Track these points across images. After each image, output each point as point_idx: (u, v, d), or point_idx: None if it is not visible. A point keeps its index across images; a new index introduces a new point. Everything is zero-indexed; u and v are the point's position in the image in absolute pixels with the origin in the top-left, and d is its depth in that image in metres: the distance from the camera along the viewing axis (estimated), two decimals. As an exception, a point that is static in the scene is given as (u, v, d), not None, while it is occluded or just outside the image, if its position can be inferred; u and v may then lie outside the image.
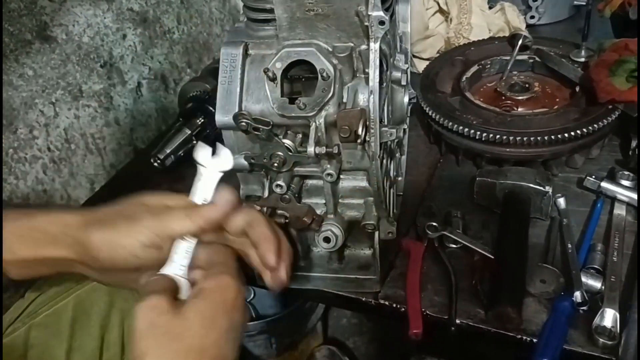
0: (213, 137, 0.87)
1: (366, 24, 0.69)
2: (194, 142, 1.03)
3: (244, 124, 0.73)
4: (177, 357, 0.56)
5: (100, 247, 0.64)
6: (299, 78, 0.78)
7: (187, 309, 0.58)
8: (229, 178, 0.71)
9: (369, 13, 0.68)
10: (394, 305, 0.87)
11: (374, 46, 0.69)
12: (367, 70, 0.72)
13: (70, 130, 1.21)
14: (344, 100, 0.75)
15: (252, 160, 0.78)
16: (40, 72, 1.12)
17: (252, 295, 1.47)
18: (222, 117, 0.77)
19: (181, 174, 1.20)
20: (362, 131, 0.70)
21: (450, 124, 1.05)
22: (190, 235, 0.64)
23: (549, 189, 0.94)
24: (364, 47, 0.73)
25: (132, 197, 0.69)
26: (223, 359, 0.58)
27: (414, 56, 1.43)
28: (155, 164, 1.00)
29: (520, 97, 1.15)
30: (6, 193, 1.08)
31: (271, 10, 0.73)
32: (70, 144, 1.22)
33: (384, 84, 0.80)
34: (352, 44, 0.74)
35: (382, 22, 0.68)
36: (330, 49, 0.74)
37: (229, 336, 0.59)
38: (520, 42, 1.22)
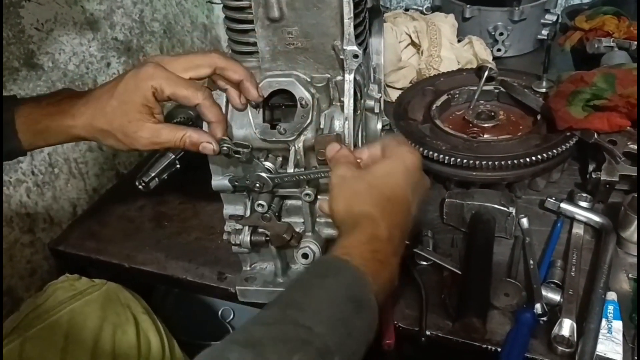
0: (196, 162, 0.91)
1: (341, 57, 0.75)
2: (177, 166, 1.07)
3: (225, 148, 0.77)
4: (359, 189, 0.68)
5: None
6: (279, 106, 0.84)
7: (372, 167, 0.71)
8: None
9: (344, 47, 0.74)
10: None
11: (349, 77, 0.76)
12: (342, 99, 0.78)
13: (54, 154, 1.24)
14: (321, 126, 0.80)
15: (236, 183, 0.83)
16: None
17: (232, 316, 1.50)
18: (208, 142, 0.81)
19: (164, 198, 1.24)
20: (338, 154, 0.75)
21: (422, 149, 1.11)
22: None
23: (512, 209, 1.01)
24: (339, 78, 0.79)
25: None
26: (399, 202, 0.69)
27: (388, 86, 1.49)
28: (140, 187, 1.03)
29: (486, 125, 1.22)
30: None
31: (254, 44, 0.79)
32: (54, 168, 1.24)
33: (358, 112, 0.85)
34: (328, 75, 0.80)
35: (356, 56, 0.74)
36: (309, 79, 0.80)
37: (407, 183, 0.70)
38: (486, 73, 1.30)
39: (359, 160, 0.74)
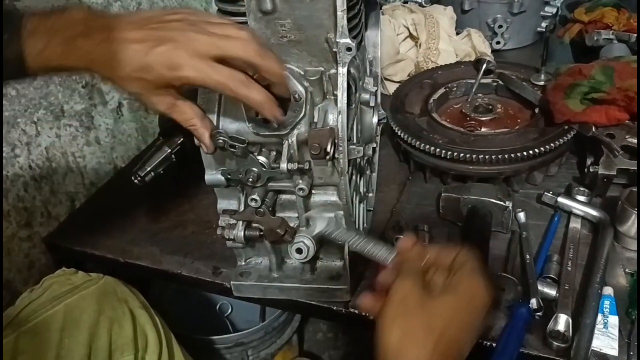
0: (192, 156, 0.91)
1: (335, 50, 0.74)
2: (173, 159, 1.07)
3: (220, 141, 0.77)
4: (419, 328, 0.61)
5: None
6: (273, 99, 0.83)
7: (439, 295, 0.64)
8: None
9: (337, 40, 0.73)
10: (363, 314, 0.91)
11: (342, 70, 0.75)
12: (336, 92, 0.77)
13: (52, 149, 1.24)
14: (315, 120, 0.80)
15: (229, 176, 0.82)
16: (22, 92, 1.14)
17: (230, 310, 1.50)
18: (202, 135, 0.80)
19: (161, 192, 1.24)
20: (331, 149, 0.75)
21: (418, 143, 1.11)
22: None
23: (509, 204, 1.00)
24: (333, 71, 0.78)
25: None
26: (457, 347, 0.63)
27: (386, 79, 1.49)
28: (136, 181, 1.03)
29: (483, 118, 1.21)
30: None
31: (247, 37, 0.78)
32: (52, 162, 1.24)
33: (353, 105, 0.85)
34: (322, 68, 0.79)
35: (349, 49, 0.73)
36: (302, 73, 0.79)
37: (468, 330, 0.64)
38: (484, 66, 1.29)
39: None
